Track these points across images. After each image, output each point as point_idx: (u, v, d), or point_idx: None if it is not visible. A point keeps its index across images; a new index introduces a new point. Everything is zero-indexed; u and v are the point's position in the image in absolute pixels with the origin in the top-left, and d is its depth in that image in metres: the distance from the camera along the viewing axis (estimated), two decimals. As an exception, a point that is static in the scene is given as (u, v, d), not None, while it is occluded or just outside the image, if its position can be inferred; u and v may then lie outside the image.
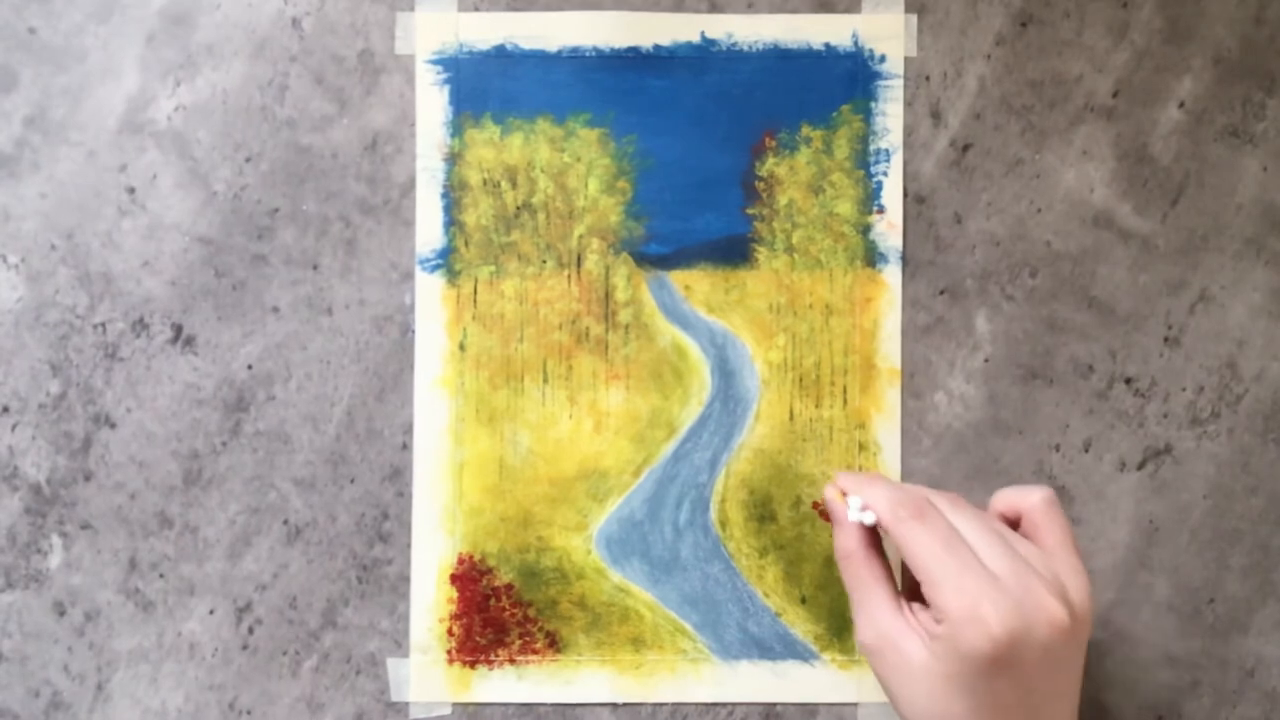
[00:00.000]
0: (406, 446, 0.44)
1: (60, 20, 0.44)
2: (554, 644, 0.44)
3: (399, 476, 0.44)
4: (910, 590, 0.37)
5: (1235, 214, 0.45)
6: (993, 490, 0.44)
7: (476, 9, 0.45)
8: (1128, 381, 0.45)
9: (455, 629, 0.44)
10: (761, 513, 0.44)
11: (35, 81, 0.44)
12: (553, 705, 0.44)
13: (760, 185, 0.45)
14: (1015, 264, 0.45)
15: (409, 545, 0.44)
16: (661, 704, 0.44)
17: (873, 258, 0.45)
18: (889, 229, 0.45)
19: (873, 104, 0.45)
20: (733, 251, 0.45)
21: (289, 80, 0.44)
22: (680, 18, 0.45)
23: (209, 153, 0.44)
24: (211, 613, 0.44)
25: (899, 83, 0.45)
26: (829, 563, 0.44)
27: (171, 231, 0.44)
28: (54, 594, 0.44)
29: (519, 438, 0.44)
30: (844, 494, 0.38)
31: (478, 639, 0.44)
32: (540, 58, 0.45)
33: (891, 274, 0.45)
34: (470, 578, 0.44)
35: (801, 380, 0.45)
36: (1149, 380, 0.45)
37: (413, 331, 0.44)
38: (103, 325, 0.44)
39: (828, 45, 0.45)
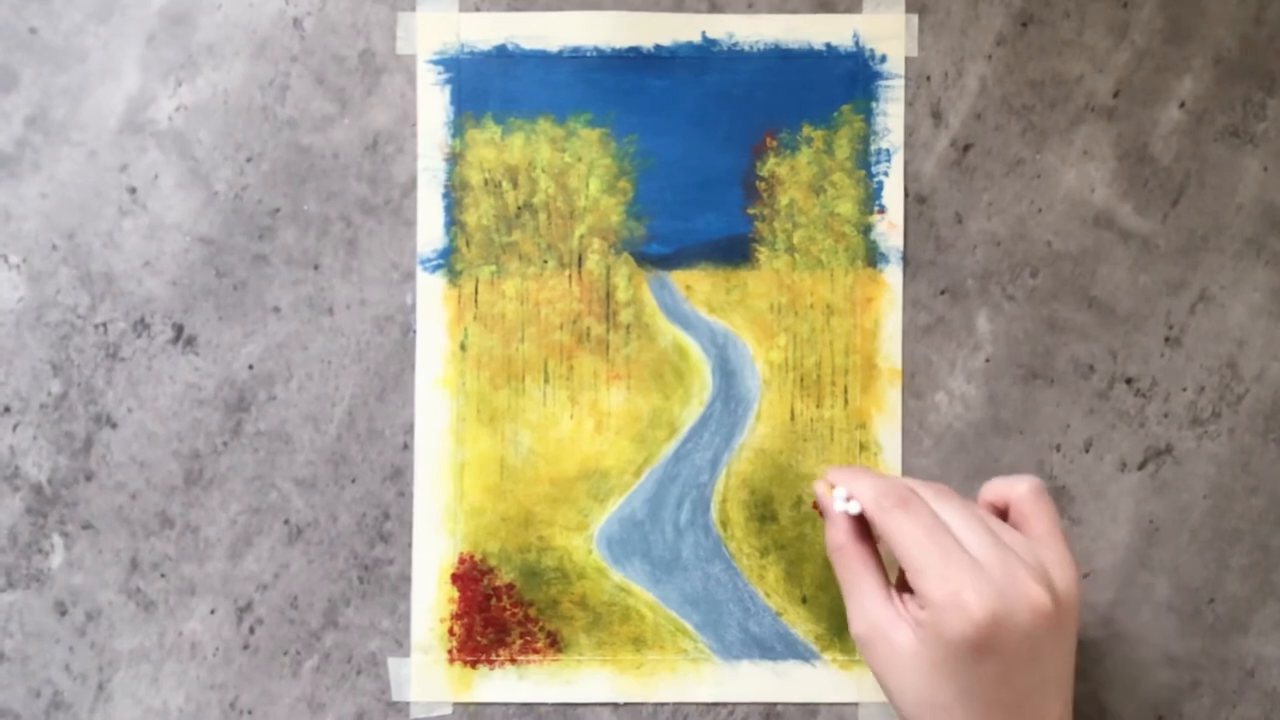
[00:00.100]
0: (407, 446, 0.44)
1: (61, 20, 0.44)
2: (555, 644, 0.44)
3: (400, 476, 0.44)
4: (902, 581, 0.37)
5: (1235, 214, 0.45)
6: (993, 490, 0.44)
7: (477, 9, 0.45)
8: (1128, 381, 0.45)
9: (456, 629, 0.44)
10: (762, 513, 0.44)
11: (36, 81, 0.44)
12: (553, 705, 0.44)
13: (761, 185, 0.45)
14: (1016, 264, 0.45)
15: (410, 545, 0.44)
16: (662, 704, 0.44)
17: (873, 258, 0.45)
18: (890, 229, 0.45)
19: (873, 104, 0.45)
20: (734, 251, 0.45)
21: (290, 80, 0.44)
22: (681, 18, 0.45)
23: (210, 153, 0.44)
24: (212, 612, 0.44)
25: (900, 83, 0.45)
26: (829, 563, 0.44)
27: (172, 231, 0.44)
28: (55, 594, 0.44)
29: (520, 438, 0.44)
30: (832, 487, 0.38)
31: (479, 639, 0.44)
32: (541, 58, 0.45)
33: (892, 274, 0.45)
34: (471, 577, 0.44)
35: (802, 380, 0.45)
36: (1149, 380, 0.45)
37: (414, 331, 0.44)
38: (104, 325, 0.44)
39: (828, 45, 0.45)
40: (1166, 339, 0.45)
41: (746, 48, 0.45)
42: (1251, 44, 0.45)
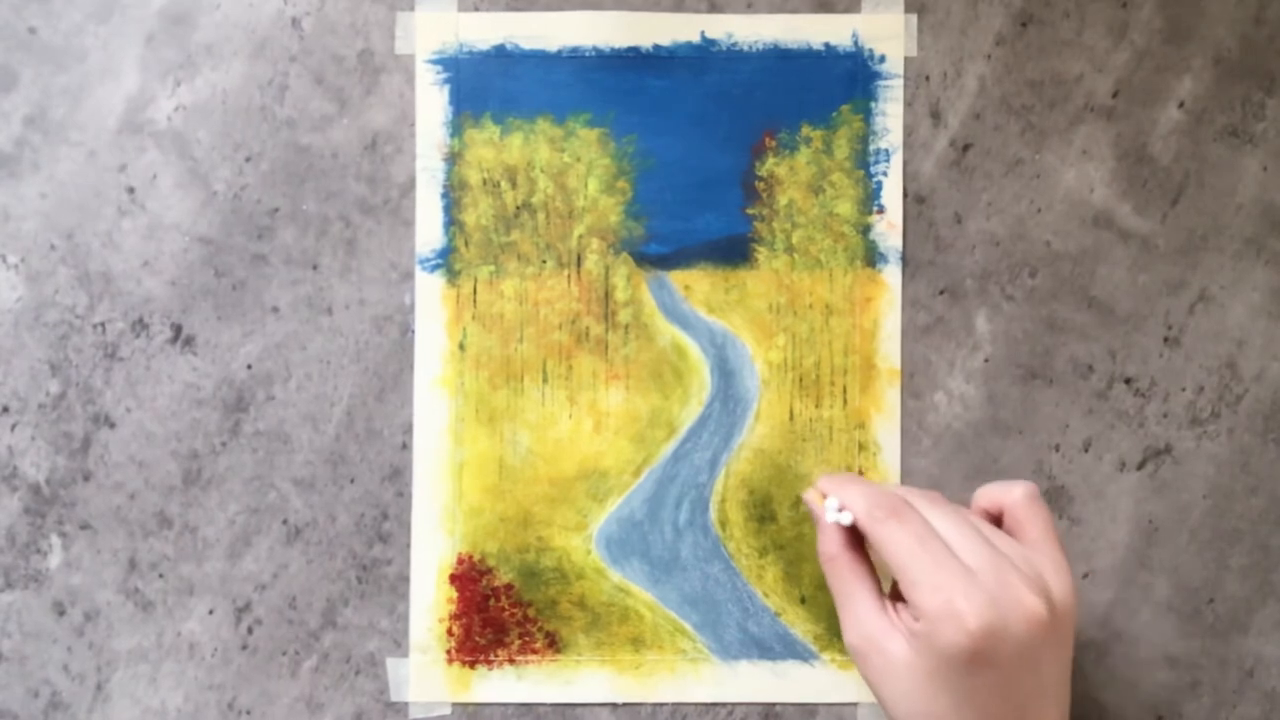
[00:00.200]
0: (406, 446, 0.44)
1: (60, 20, 0.44)
2: (554, 644, 0.44)
3: (399, 476, 0.44)
4: (895, 590, 0.37)
5: (1235, 214, 0.45)
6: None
7: (476, 9, 0.45)
8: (1128, 381, 0.45)
9: (455, 629, 0.44)
10: (761, 513, 0.44)
11: (35, 81, 0.44)
12: (552, 705, 0.44)
13: (760, 185, 0.45)
14: (1015, 264, 0.45)
15: (409, 545, 0.44)
16: (661, 704, 0.44)
17: (873, 258, 0.45)
18: (889, 229, 0.45)
19: (873, 104, 0.45)
20: (733, 251, 0.45)
21: (289, 80, 0.44)
22: (680, 18, 0.45)
23: (209, 153, 0.44)
24: (211, 613, 0.44)
25: (899, 83, 0.45)
26: (829, 563, 0.44)
27: (171, 231, 0.44)
28: (53, 594, 0.44)
29: (519, 438, 0.44)
30: (824, 496, 0.38)
31: (477, 639, 0.44)
32: (540, 58, 0.45)
33: (891, 274, 0.45)
34: (470, 578, 0.44)
35: (801, 380, 0.45)
36: (1149, 380, 0.45)
37: (412, 331, 0.44)
38: (102, 325, 0.44)
39: (828, 45, 0.45)
40: (1166, 339, 0.45)
41: (746, 48, 0.45)
42: (1251, 44, 0.45)
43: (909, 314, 0.45)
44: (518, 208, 0.45)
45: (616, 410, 0.44)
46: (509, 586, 0.44)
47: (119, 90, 0.44)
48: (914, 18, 0.45)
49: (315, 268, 0.44)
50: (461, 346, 0.44)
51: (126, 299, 0.44)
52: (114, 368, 0.44)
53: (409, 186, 0.44)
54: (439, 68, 0.44)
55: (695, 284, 0.45)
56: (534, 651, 0.44)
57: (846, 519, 0.37)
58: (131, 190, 0.44)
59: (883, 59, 0.45)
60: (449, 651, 0.44)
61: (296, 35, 0.44)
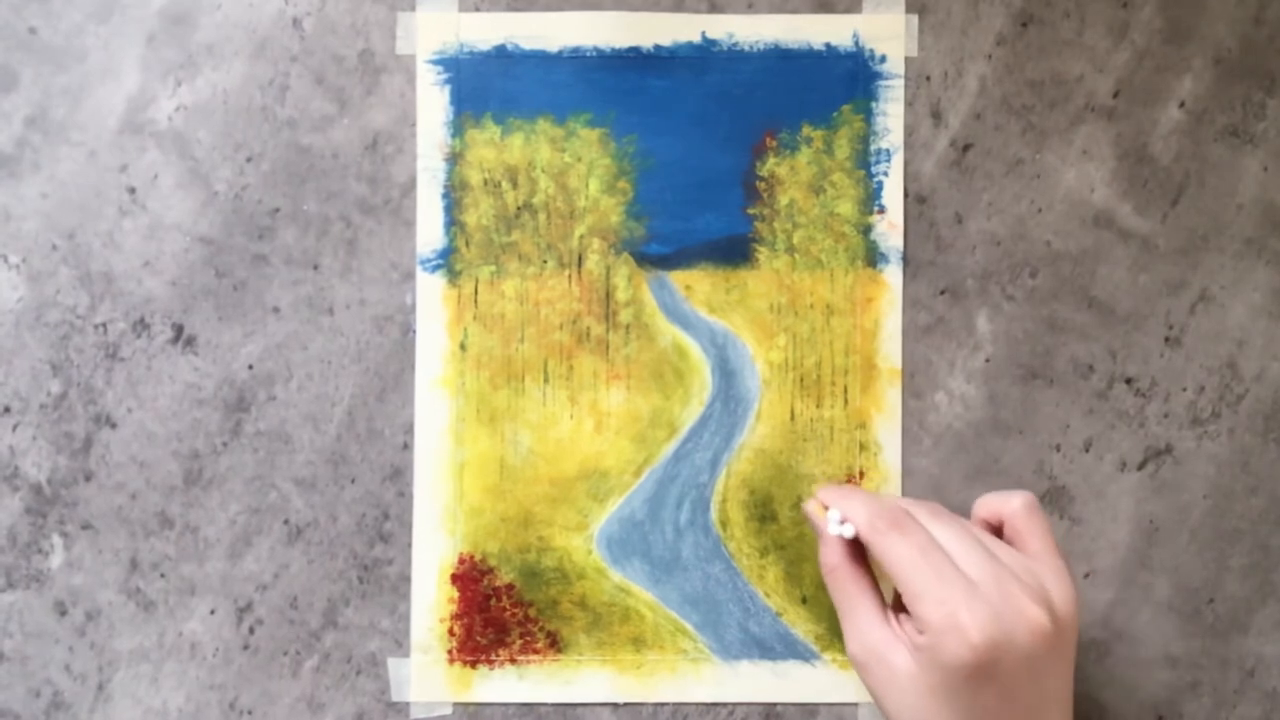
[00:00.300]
0: (407, 446, 0.44)
1: (60, 20, 0.44)
2: (555, 644, 0.44)
3: (400, 476, 0.44)
4: (898, 601, 0.37)
5: (1235, 214, 0.45)
6: (993, 490, 0.44)
7: (477, 9, 0.45)
8: (1128, 381, 0.45)
9: (456, 629, 0.44)
10: (762, 513, 0.44)
11: (36, 81, 0.44)
12: (553, 705, 0.44)
13: (761, 185, 0.45)
14: (1015, 264, 0.45)
15: (410, 545, 0.44)
16: (662, 704, 0.44)
17: (873, 258, 0.45)
18: (890, 229, 0.45)
19: (873, 104, 0.45)
20: (733, 251, 0.45)
21: (290, 80, 0.44)
22: (681, 18, 0.45)
23: (209, 153, 0.44)
24: (212, 613, 0.44)
25: (899, 83, 0.45)
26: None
27: (172, 231, 0.44)
28: (55, 594, 0.44)
29: (520, 438, 0.44)
30: (825, 508, 0.38)
31: (478, 639, 0.44)
32: (541, 58, 0.45)
33: (892, 274, 0.45)
34: (471, 577, 0.44)
35: (802, 380, 0.45)
36: (1149, 380, 0.45)
37: (413, 331, 0.44)
38: (103, 325, 0.44)
39: (828, 45, 0.45)
40: (1166, 339, 0.45)
41: (746, 48, 0.45)
42: (1251, 44, 0.45)
43: (910, 314, 0.45)
44: (519, 208, 0.45)
45: (617, 410, 0.44)
46: (510, 586, 0.44)
47: (120, 90, 0.44)
48: (915, 18, 0.45)
49: (316, 268, 0.44)
50: (462, 346, 0.44)
51: (128, 299, 0.44)
52: (115, 368, 0.44)
53: (410, 186, 0.44)
54: (440, 68, 0.44)
55: (696, 284, 0.45)
56: (535, 651, 0.44)
57: (849, 532, 0.37)
58: (132, 190, 0.44)
59: (883, 59, 0.45)
60: (450, 651, 0.44)
61: (297, 35, 0.44)
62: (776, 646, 0.44)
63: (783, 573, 0.44)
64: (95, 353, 0.44)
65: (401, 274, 0.44)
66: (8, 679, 0.44)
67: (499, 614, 0.44)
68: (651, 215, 0.45)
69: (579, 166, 0.45)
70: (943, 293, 0.45)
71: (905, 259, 0.45)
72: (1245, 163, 0.45)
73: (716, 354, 0.45)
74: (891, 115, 0.45)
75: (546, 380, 0.44)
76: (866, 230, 0.45)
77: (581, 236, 0.45)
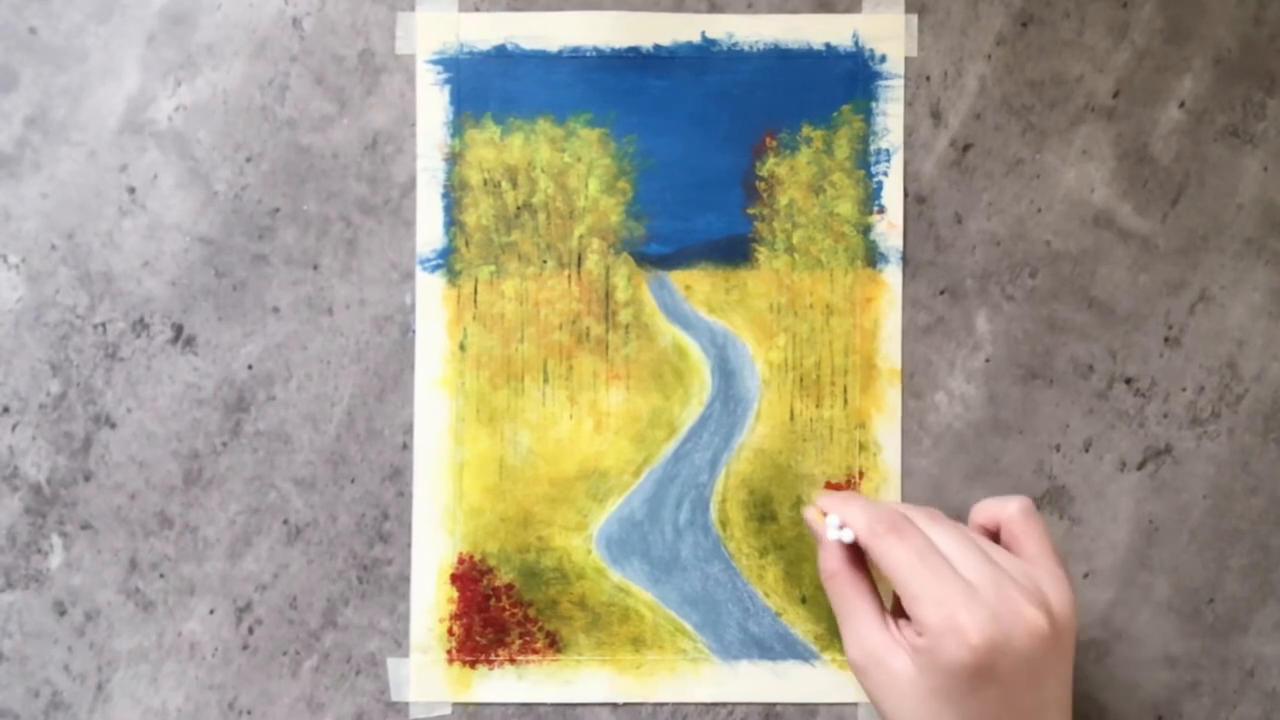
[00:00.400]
0: (407, 446, 0.44)
1: (60, 20, 0.44)
2: (554, 644, 0.44)
3: (399, 476, 0.44)
4: (897, 606, 0.37)
5: (1235, 214, 0.45)
6: (993, 490, 0.45)
7: (477, 9, 0.45)
8: (1128, 381, 0.45)
9: (455, 629, 0.44)
10: (762, 513, 0.44)
11: (36, 81, 0.44)
12: (553, 705, 0.44)
13: (761, 185, 0.45)
14: (1015, 264, 0.45)
15: (409, 545, 0.44)
16: (662, 704, 0.44)
17: (873, 258, 0.45)
18: (889, 229, 0.45)
19: (873, 104, 0.45)
20: (733, 251, 0.45)
21: (289, 80, 0.44)
22: (680, 18, 0.45)
23: (209, 153, 0.44)
24: (212, 613, 0.44)
25: (899, 83, 0.45)
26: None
27: (172, 231, 0.44)
28: (54, 594, 0.44)
29: (519, 438, 0.44)
30: (824, 514, 0.38)
31: (478, 639, 0.44)
32: (541, 58, 0.45)
33: (892, 274, 0.45)
34: (470, 577, 0.44)
35: (802, 380, 0.45)
36: (1149, 380, 0.45)
37: (413, 331, 0.44)
38: (103, 325, 0.44)
39: (828, 45, 0.45)
40: (1166, 339, 0.45)
41: (746, 48, 0.45)
42: (1251, 44, 0.45)
43: (909, 314, 0.45)
44: (518, 208, 0.45)
45: (617, 410, 0.44)
46: (509, 586, 0.44)
47: (120, 90, 0.44)
48: (914, 18, 0.45)
49: (316, 268, 0.44)
50: (462, 346, 0.44)
51: (127, 299, 0.44)
52: (115, 368, 0.44)
53: (409, 186, 0.45)
54: (439, 68, 0.44)
55: (696, 284, 0.45)
56: (534, 651, 0.44)
57: (848, 536, 0.37)
58: (132, 190, 0.44)
59: (883, 59, 0.45)
60: (449, 651, 0.44)
61: (297, 35, 0.44)
62: (776, 646, 0.44)
63: (782, 573, 0.44)
64: (95, 353, 0.44)
65: (401, 274, 0.44)
66: (7, 679, 0.44)
67: (498, 614, 0.44)
68: (651, 215, 0.45)
69: (579, 166, 0.45)
70: (942, 293, 0.45)
71: (905, 259, 0.45)
72: (1245, 163, 0.45)
73: (716, 354, 0.45)
74: (891, 115, 0.45)
75: (546, 380, 0.44)
76: (866, 230, 0.45)
77: (581, 236, 0.45)
